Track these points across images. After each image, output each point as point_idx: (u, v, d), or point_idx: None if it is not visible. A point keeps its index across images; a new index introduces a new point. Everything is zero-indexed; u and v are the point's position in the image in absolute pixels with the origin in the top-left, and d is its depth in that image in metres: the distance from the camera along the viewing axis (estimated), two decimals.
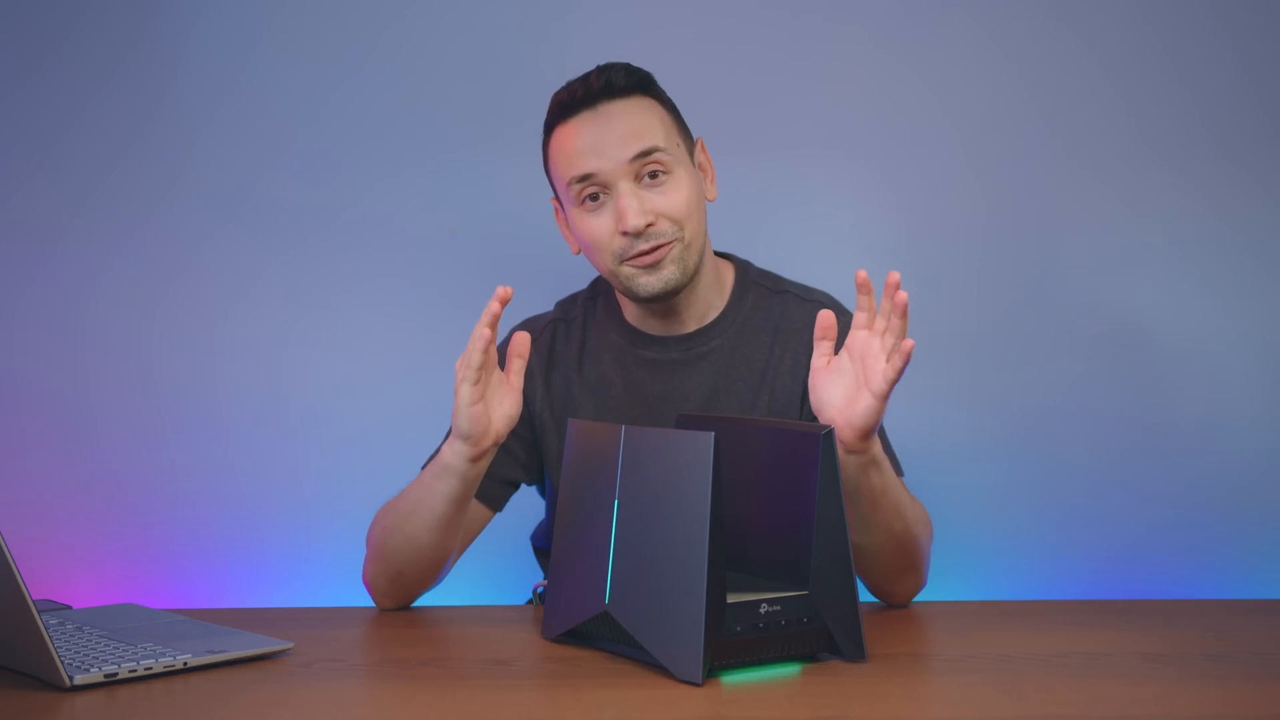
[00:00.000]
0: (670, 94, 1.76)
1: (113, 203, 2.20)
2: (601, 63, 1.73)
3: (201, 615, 1.61)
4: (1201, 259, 2.19)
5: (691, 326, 1.78)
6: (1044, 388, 2.20)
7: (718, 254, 1.83)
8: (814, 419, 1.61)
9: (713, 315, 1.79)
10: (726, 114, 2.16)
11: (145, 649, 1.41)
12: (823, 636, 1.39)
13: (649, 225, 1.68)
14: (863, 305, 1.54)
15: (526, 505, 1.91)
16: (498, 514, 1.79)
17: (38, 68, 2.19)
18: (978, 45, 2.20)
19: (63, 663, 1.32)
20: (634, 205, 1.67)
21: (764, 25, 2.20)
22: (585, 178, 1.69)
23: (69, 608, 1.66)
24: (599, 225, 1.70)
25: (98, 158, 2.20)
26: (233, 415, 2.21)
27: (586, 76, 1.72)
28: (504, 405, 1.56)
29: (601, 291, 1.84)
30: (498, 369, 1.56)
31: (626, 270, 1.70)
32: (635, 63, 1.74)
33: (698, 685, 1.31)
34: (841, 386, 1.53)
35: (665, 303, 1.74)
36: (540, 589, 1.83)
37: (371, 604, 1.71)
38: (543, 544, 1.91)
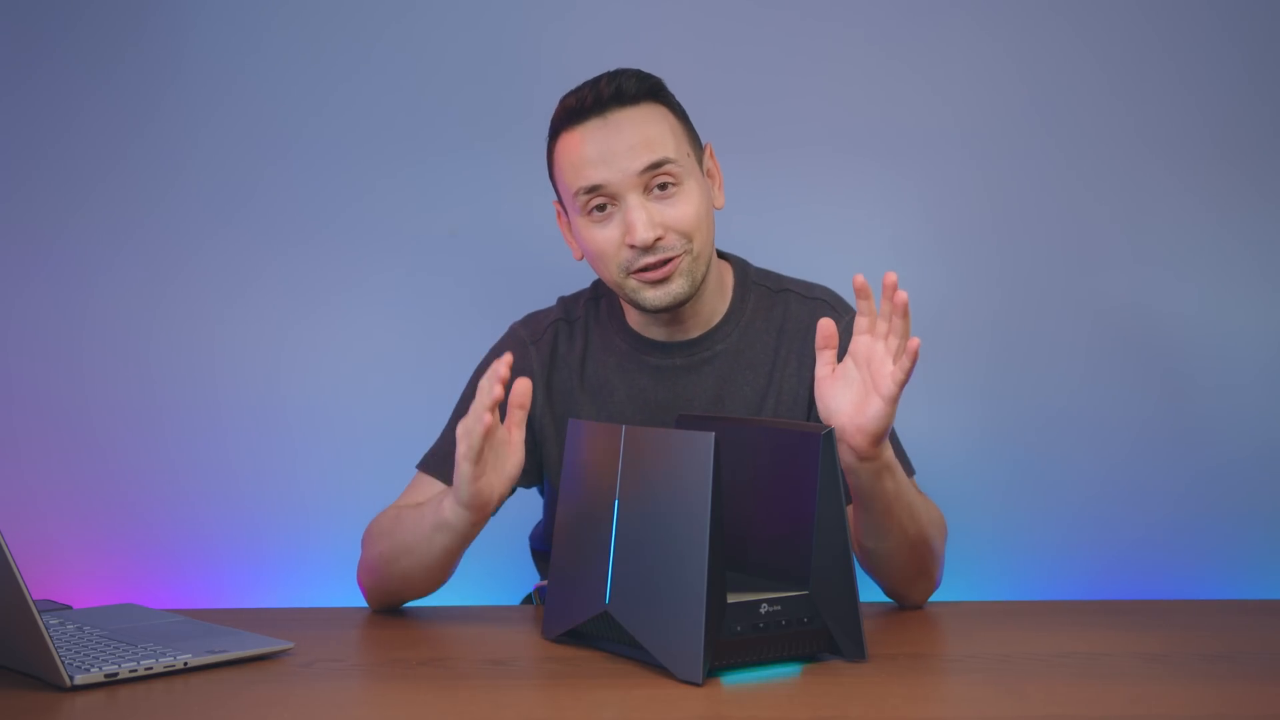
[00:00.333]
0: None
1: (112, 202, 2.20)
2: (601, 62, 1.72)
3: (201, 615, 1.61)
4: (1206, 261, 2.19)
5: (695, 332, 1.77)
6: (1045, 389, 2.20)
7: (717, 254, 1.82)
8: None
9: (716, 319, 1.78)
10: (727, 114, 2.15)
11: (145, 649, 1.41)
12: (823, 636, 1.39)
13: (658, 239, 1.65)
14: (863, 310, 1.52)
15: (526, 505, 1.91)
16: (495, 515, 1.79)
17: (38, 67, 2.19)
18: (979, 45, 2.20)
19: (63, 663, 1.32)
20: (643, 218, 1.64)
21: (764, 25, 2.20)
22: (593, 189, 1.66)
23: (69, 608, 1.66)
24: (606, 236, 1.67)
25: (97, 157, 2.20)
26: (232, 415, 2.21)
27: (596, 82, 1.68)
28: (506, 466, 1.52)
29: (604, 293, 1.82)
30: (499, 428, 1.51)
31: (633, 283, 1.68)
32: (634, 62, 1.72)
33: (698, 685, 1.31)
34: (849, 393, 1.51)
35: (670, 312, 1.73)
36: (540, 589, 1.83)
37: None
38: (540, 546, 1.90)
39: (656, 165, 1.65)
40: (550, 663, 1.43)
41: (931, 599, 1.69)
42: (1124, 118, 2.19)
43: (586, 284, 1.86)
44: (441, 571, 1.63)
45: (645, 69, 1.72)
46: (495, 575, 2.10)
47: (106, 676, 1.33)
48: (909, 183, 2.21)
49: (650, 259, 1.66)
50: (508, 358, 1.46)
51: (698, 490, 1.32)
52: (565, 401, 1.78)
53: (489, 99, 2.20)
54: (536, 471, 1.81)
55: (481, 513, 1.54)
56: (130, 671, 1.35)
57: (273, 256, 2.21)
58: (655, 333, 1.77)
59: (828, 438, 1.38)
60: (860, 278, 1.52)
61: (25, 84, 2.19)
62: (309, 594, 2.17)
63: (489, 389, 1.46)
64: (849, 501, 1.59)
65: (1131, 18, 2.19)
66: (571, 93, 1.70)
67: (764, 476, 1.45)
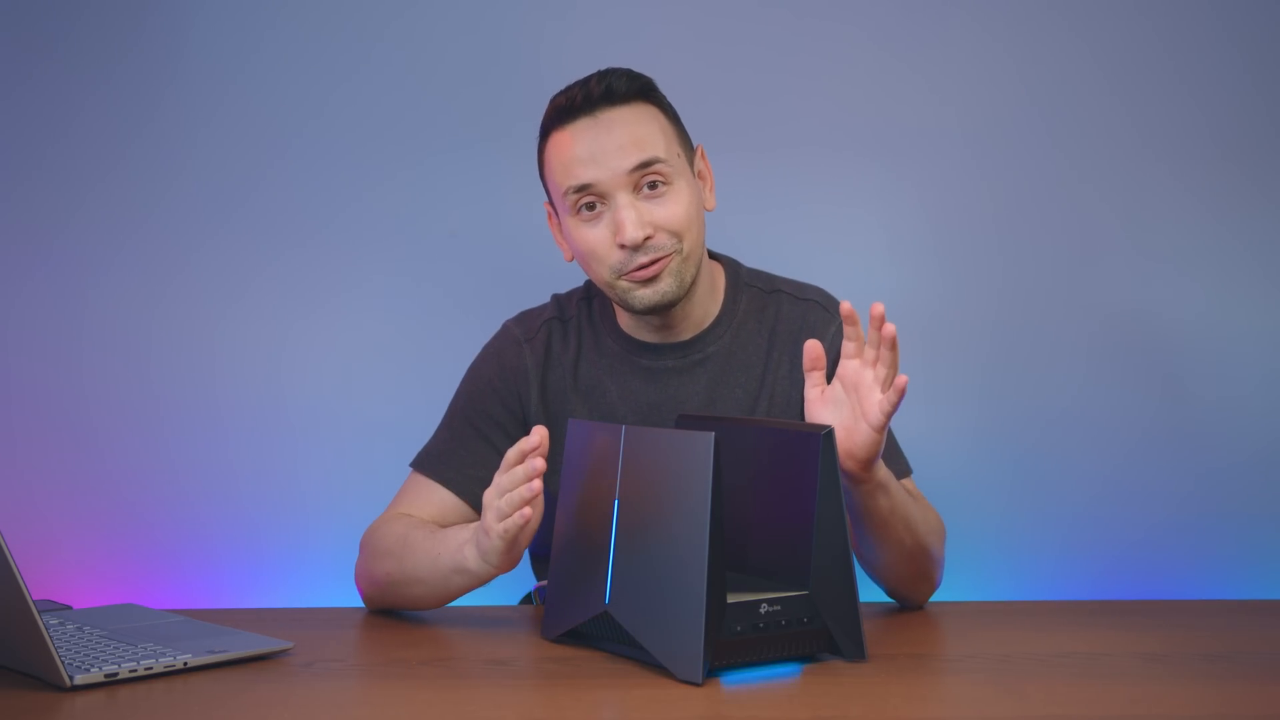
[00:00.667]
0: (669, 93, 1.74)
1: (111, 202, 2.20)
2: (601, 62, 1.72)
3: (201, 615, 1.61)
4: (1207, 262, 2.19)
5: (687, 334, 1.76)
6: (1046, 390, 2.20)
7: (708, 255, 1.81)
8: None
9: (708, 321, 1.77)
10: (726, 114, 2.16)
11: (145, 649, 1.41)
12: (823, 636, 1.39)
13: (647, 238, 1.64)
14: (850, 335, 1.52)
15: None
16: None
17: (37, 67, 2.19)
18: (978, 45, 2.20)
19: (63, 663, 1.32)
20: (632, 217, 1.64)
21: (764, 24, 2.20)
22: (583, 188, 1.66)
23: (69, 608, 1.66)
24: (595, 236, 1.67)
25: (96, 157, 2.20)
26: (232, 415, 2.21)
27: (586, 81, 1.68)
28: (530, 527, 1.49)
29: (596, 293, 1.81)
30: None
31: (623, 284, 1.67)
32: (635, 62, 1.72)
33: (698, 685, 1.31)
34: (838, 418, 1.51)
35: (661, 314, 1.73)
36: (540, 589, 1.83)
37: None
38: (537, 550, 1.89)
39: (646, 164, 1.65)
40: (550, 663, 1.43)
41: (932, 599, 1.69)
42: (1124, 118, 2.19)
43: (580, 283, 1.86)
44: (452, 599, 1.62)
45: (644, 69, 1.72)
46: None
47: (106, 676, 1.33)
48: (908, 182, 2.21)
49: (641, 259, 1.65)
50: (537, 436, 1.44)
51: (698, 490, 1.31)
52: (559, 401, 1.77)
53: (489, 99, 2.20)
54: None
55: (510, 569, 1.53)
56: (130, 671, 1.35)
57: (272, 257, 2.21)
58: (646, 335, 1.76)
59: (828, 438, 1.38)
60: (847, 304, 1.51)
61: (25, 84, 2.19)
62: (309, 594, 2.17)
63: (525, 477, 1.44)
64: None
65: (1131, 18, 2.19)
66: (561, 92, 1.70)
67: (764, 476, 1.45)
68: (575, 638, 1.47)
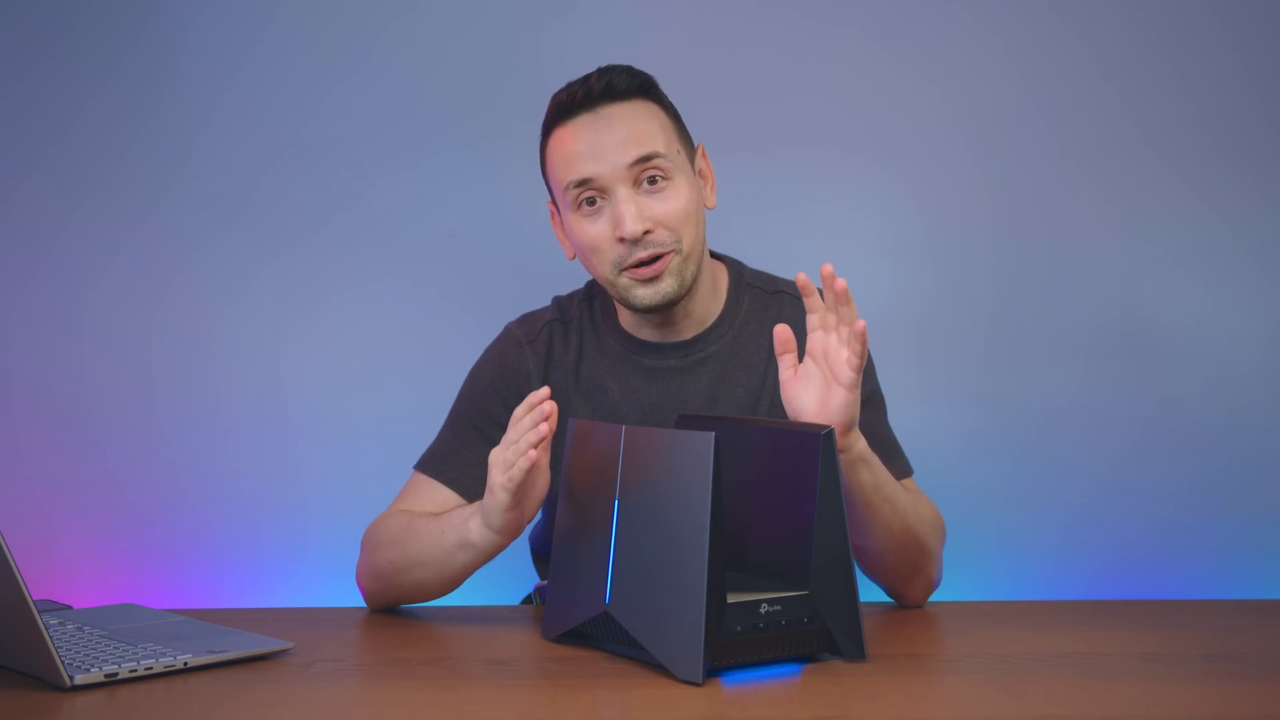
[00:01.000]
0: (669, 93, 1.74)
1: (111, 202, 2.20)
2: (601, 62, 1.72)
3: (201, 615, 1.61)
4: (1205, 261, 2.20)
5: (689, 333, 1.77)
6: (1045, 389, 2.20)
7: (711, 255, 1.81)
8: None
9: (710, 321, 1.77)
10: (726, 113, 2.16)
11: (145, 649, 1.41)
12: (823, 636, 1.39)
13: (646, 232, 1.65)
14: (811, 307, 1.53)
15: None
16: None
17: (37, 67, 2.19)
18: (978, 44, 2.20)
19: (63, 663, 1.32)
20: (632, 211, 1.65)
21: (764, 24, 2.20)
22: (583, 182, 1.67)
23: (69, 608, 1.66)
24: (596, 231, 1.67)
25: (96, 157, 2.20)
26: (232, 415, 2.21)
27: (587, 78, 1.69)
28: (536, 490, 1.54)
29: (598, 294, 1.81)
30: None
31: (624, 281, 1.68)
32: (634, 62, 1.72)
33: (698, 685, 1.31)
34: (813, 389, 1.52)
35: (662, 313, 1.73)
36: (540, 589, 1.83)
37: None
38: (539, 549, 1.90)
39: (646, 159, 1.66)
40: (550, 663, 1.43)
41: (931, 599, 1.69)
42: (1124, 117, 2.19)
43: (582, 285, 1.86)
44: (456, 582, 1.64)
45: (644, 69, 1.72)
46: (495, 575, 2.09)
47: (106, 676, 1.33)
48: (907, 182, 2.21)
49: (641, 253, 1.66)
50: (545, 390, 1.49)
51: (698, 490, 1.32)
52: (561, 402, 1.77)
53: (489, 99, 2.20)
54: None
55: (513, 537, 1.56)
56: (130, 671, 1.35)
57: (272, 256, 2.21)
58: (648, 334, 1.77)
59: (828, 437, 1.38)
60: (802, 276, 1.54)
61: (25, 84, 2.19)
62: (309, 594, 2.17)
63: (532, 424, 1.48)
64: None
65: (1131, 18, 2.19)
66: (563, 89, 1.71)
67: (764, 476, 1.45)
68: (575, 638, 1.48)
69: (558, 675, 1.39)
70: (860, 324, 1.46)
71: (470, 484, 1.73)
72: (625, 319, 1.78)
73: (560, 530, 1.49)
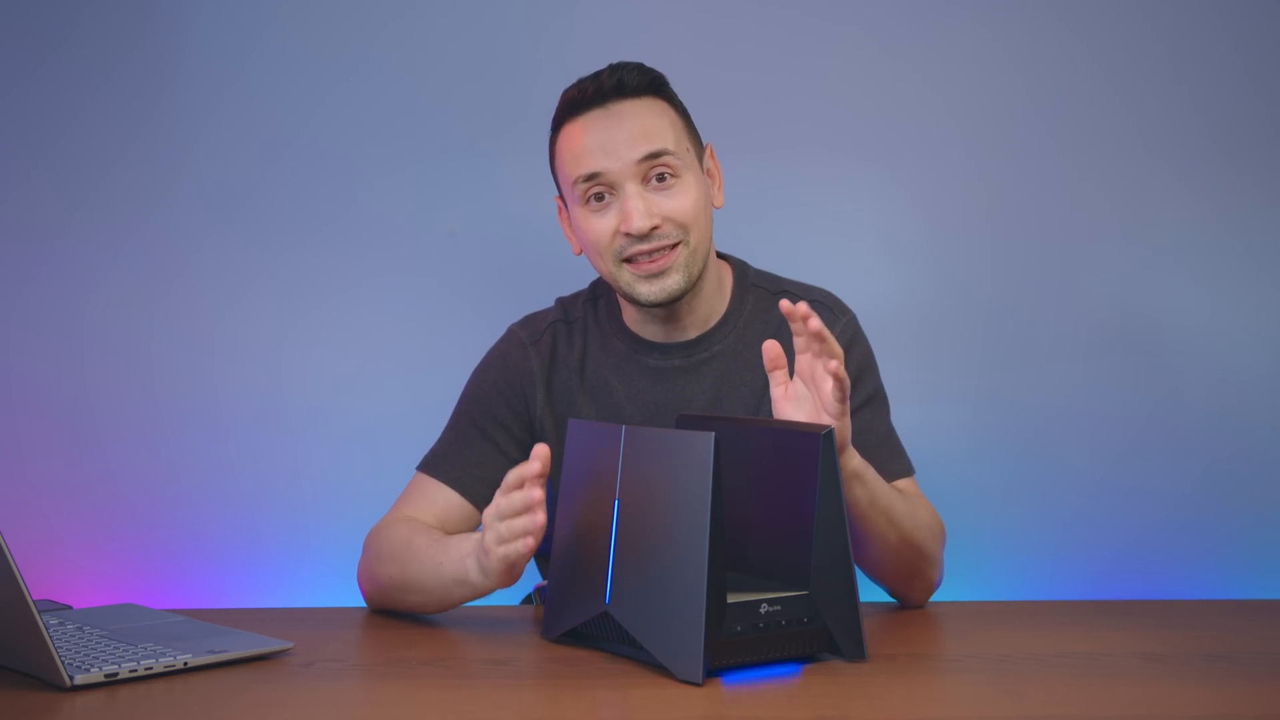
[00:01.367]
0: None
1: (112, 202, 2.20)
2: (601, 62, 1.72)
3: (201, 615, 1.61)
4: (1205, 261, 2.20)
5: (693, 332, 1.77)
6: (1045, 389, 2.20)
7: (716, 254, 1.82)
8: None
9: (714, 320, 1.78)
10: (728, 114, 2.15)
11: (145, 649, 1.41)
12: (823, 636, 1.39)
13: (654, 228, 1.66)
14: (798, 331, 1.50)
15: None
16: None
17: (37, 66, 2.19)
18: (979, 45, 2.20)
19: (63, 663, 1.32)
20: (640, 207, 1.65)
21: (765, 25, 2.20)
22: (592, 177, 1.67)
23: (69, 608, 1.66)
24: (602, 225, 1.68)
25: (97, 157, 2.20)
26: (232, 415, 2.21)
27: (598, 74, 1.69)
28: (530, 552, 1.47)
29: (603, 294, 1.82)
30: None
31: (628, 275, 1.68)
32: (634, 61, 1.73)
33: (698, 685, 1.31)
34: (803, 412, 1.52)
35: (667, 309, 1.73)
36: (540, 589, 1.83)
37: None
38: (541, 549, 1.89)
39: (655, 155, 1.66)
40: (550, 663, 1.43)
41: (932, 599, 1.69)
42: (1124, 117, 2.19)
43: (586, 284, 1.86)
44: (453, 607, 1.60)
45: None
46: None
47: (106, 676, 1.33)
48: (907, 182, 2.21)
49: (644, 246, 1.66)
50: (544, 451, 1.42)
51: (698, 490, 1.32)
52: (565, 402, 1.78)
53: (489, 99, 2.20)
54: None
55: (510, 585, 1.51)
56: (130, 671, 1.35)
57: (272, 256, 2.21)
58: (653, 333, 1.77)
59: (828, 437, 1.38)
60: (785, 303, 1.48)
61: (26, 83, 2.19)
62: (309, 594, 2.17)
63: (524, 505, 1.42)
64: None
65: (1131, 18, 2.19)
66: (574, 85, 1.71)
67: (764, 476, 1.45)
68: (575, 638, 1.47)
69: (558, 675, 1.39)
70: (832, 365, 1.43)
71: (473, 485, 1.73)
72: (630, 318, 1.78)
73: (560, 530, 1.49)
